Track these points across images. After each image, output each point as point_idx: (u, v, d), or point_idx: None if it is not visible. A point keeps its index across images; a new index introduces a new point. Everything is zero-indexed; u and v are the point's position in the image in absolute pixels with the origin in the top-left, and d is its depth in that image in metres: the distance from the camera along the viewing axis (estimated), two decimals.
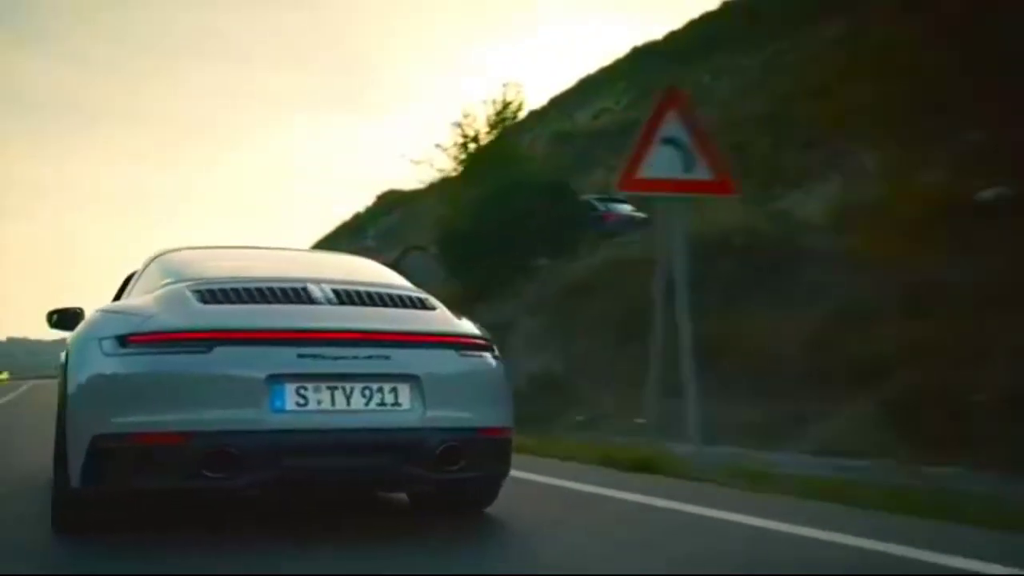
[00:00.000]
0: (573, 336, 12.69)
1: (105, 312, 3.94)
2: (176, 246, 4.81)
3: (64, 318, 5.12)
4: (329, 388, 3.52)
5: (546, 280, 14.79)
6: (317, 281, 3.92)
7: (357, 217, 44.90)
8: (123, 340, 3.51)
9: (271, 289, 3.77)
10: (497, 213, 16.01)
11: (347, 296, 3.85)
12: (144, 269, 4.63)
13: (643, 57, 33.98)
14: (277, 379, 3.45)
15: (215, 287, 3.76)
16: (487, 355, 3.97)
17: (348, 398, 3.53)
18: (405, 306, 3.98)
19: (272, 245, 5.32)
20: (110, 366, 3.49)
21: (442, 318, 4.02)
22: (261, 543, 3.67)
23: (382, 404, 3.57)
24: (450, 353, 3.80)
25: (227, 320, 3.56)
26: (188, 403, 3.39)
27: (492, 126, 18.98)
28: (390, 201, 40.88)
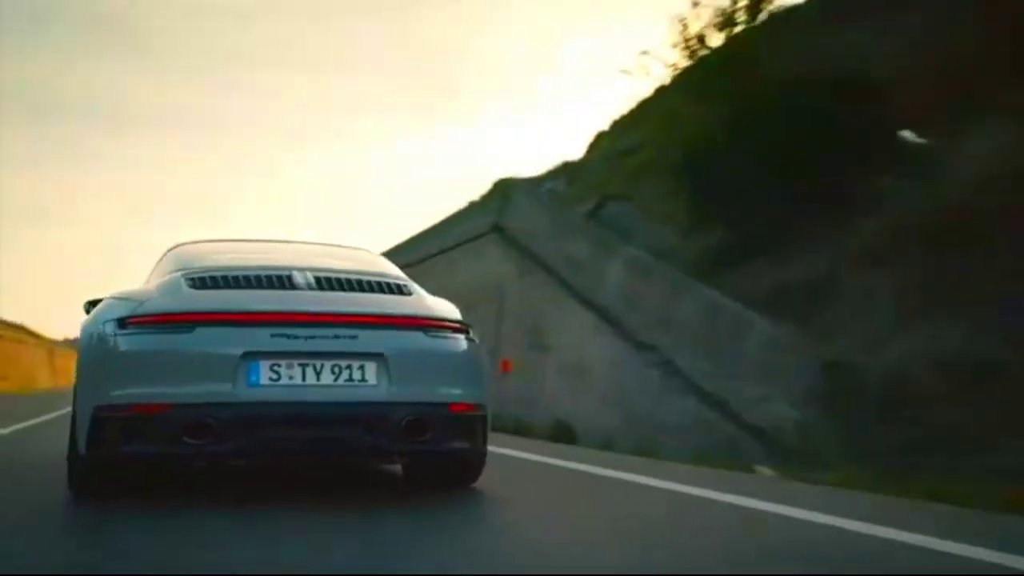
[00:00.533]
0: (981, 296, 7.39)
1: (113, 298, 4.16)
2: (190, 240, 5.18)
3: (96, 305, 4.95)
4: (301, 365, 3.79)
5: (883, 213, 9.33)
6: (303, 269, 4.22)
7: (472, 205, 41.61)
8: (122, 322, 3.85)
9: (257, 276, 4.10)
10: (770, 126, 10.74)
11: (327, 282, 4.15)
12: (160, 260, 4.88)
13: (782, 23, 28.71)
14: (252, 356, 3.75)
15: (206, 275, 4.09)
16: (459, 337, 4.17)
17: (318, 374, 3.80)
18: (382, 291, 4.24)
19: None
20: (110, 345, 3.83)
21: (415, 303, 4.23)
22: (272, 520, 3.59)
23: (350, 380, 3.84)
24: (417, 334, 4.03)
25: (208, 303, 3.88)
26: (173, 377, 3.71)
27: (725, 23, 13.71)
28: (505, 187, 37.26)
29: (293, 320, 3.84)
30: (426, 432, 3.90)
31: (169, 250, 4.97)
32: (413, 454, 4.31)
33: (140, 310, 3.87)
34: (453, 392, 4.03)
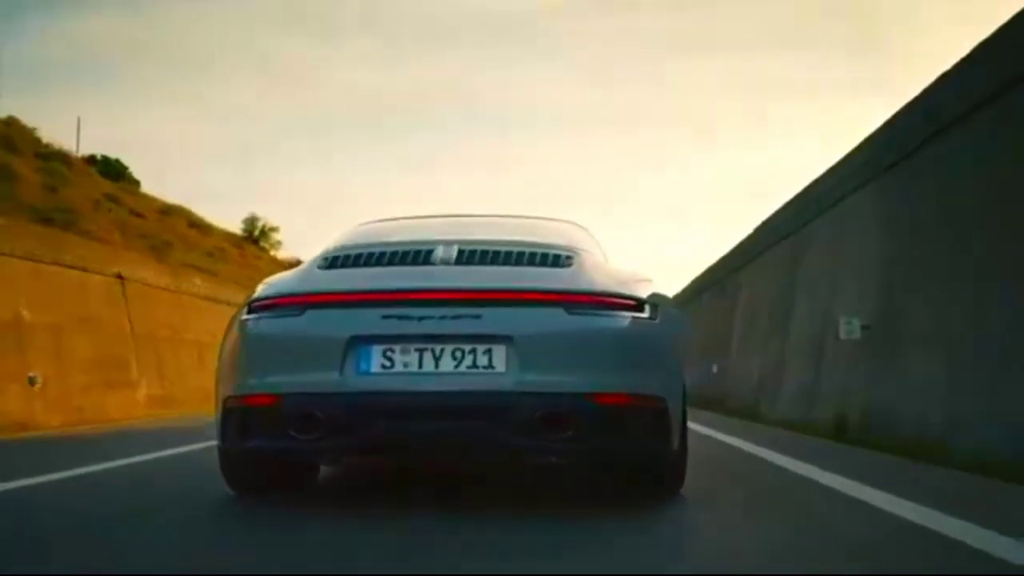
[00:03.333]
0: None
1: (261, 284, 3.96)
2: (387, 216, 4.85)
3: None
4: (418, 350, 3.41)
5: None
6: (452, 242, 3.78)
7: None
8: (250, 306, 3.65)
9: (393, 252, 3.73)
10: None
11: (470, 256, 3.70)
12: None
13: None
14: (363, 340, 3.41)
15: (341, 253, 3.80)
16: (621, 314, 3.54)
17: (437, 360, 3.40)
18: (532, 263, 3.70)
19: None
20: (235, 331, 3.70)
21: (566, 275, 3.64)
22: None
23: (473, 366, 3.40)
24: (556, 311, 3.46)
25: (320, 283, 3.59)
26: (281, 365, 3.45)
27: None
28: None
29: (408, 299, 3.43)
30: (566, 428, 3.37)
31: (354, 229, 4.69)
32: (558, 453, 3.75)
33: (263, 293, 3.69)
34: (602, 380, 3.43)
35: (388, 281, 3.55)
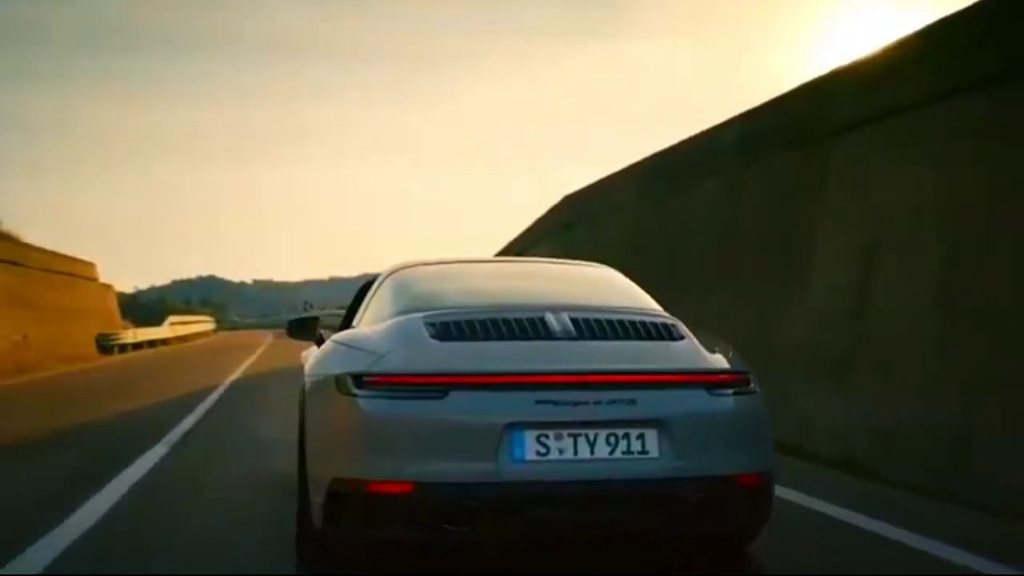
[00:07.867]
0: None
1: (340, 344, 3.92)
2: (411, 261, 4.66)
3: (298, 326, 5.09)
4: (571, 436, 3.30)
5: None
6: (555, 309, 3.70)
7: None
8: (358, 380, 3.39)
9: (507, 321, 3.58)
10: None
11: (587, 328, 3.61)
12: (378, 288, 4.47)
13: None
14: (516, 427, 3.28)
15: (448, 319, 3.60)
16: (742, 391, 3.56)
17: (592, 446, 3.30)
18: (651, 337, 3.66)
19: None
20: (345, 407, 3.39)
21: (690, 350, 3.64)
22: None
23: (628, 452, 3.32)
24: (700, 393, 3.47)
25: (463, 363, 3.38)
26: (424, 452, 3.26)
27: None
28: None
29: (561, 382, 3.34)
30: (716, 510, 3.40)
31: (388, 275, 4.49)
32: (698, 533, 3.68)
33: (379, 366, 3.40)
34: (741, 461, 3.46)
35: (534, 362, 3.40)
